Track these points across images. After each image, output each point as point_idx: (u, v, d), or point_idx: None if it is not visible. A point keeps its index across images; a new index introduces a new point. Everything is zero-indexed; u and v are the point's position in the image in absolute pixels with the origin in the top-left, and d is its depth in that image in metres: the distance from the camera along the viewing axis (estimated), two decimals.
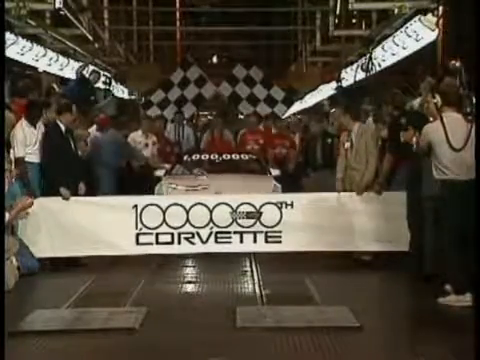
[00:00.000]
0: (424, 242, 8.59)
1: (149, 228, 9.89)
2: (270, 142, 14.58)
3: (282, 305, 7.65)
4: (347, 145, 10.12)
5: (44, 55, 15.81)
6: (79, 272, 9.49)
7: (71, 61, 17.44)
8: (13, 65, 14.77)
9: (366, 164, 9.91)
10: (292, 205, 9.93)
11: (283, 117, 18.84)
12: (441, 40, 12.20)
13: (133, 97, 23.21)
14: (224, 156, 13.18)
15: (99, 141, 12.82)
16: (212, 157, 13.19)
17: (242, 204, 9.92)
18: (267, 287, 8.52)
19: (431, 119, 8.48)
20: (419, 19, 12.92)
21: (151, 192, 11.35)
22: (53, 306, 7.70)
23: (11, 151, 9.86)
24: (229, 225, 9.91)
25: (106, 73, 19.35)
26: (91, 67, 16.47)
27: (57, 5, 14.63)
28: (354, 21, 20.42)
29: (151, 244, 9.89)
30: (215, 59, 34.13)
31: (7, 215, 8.55)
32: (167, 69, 23.45)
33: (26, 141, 10.03)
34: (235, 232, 9.92)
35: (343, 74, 19.18)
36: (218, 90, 20.41)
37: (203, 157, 13.22)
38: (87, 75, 15.73)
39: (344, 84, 18.97)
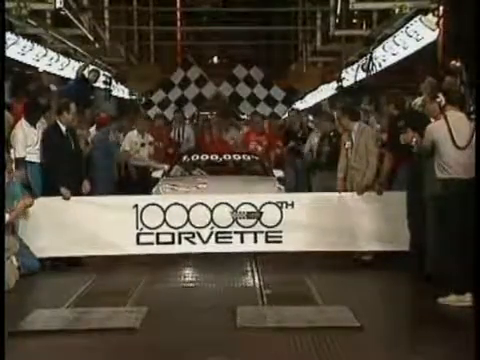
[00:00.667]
0: (424, 242, 8.58)
1: (150, 228, 9.88)
2: (273, 142, 14.31)
3: (282, 305, 7.65)
4: (348, 145, 10.12)
5: (45, 55, 15.81)
6: (79, 272, 9.49)
7: (72, 61, 17.44)
8: (14, 65, 14.78)
9: (367, 164, 9.92)
10: (293, 205, 9.92)
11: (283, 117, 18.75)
12: (442, 40, 12.20)
13: (134, 97, 23.19)
14: (225, 157, 12.88)
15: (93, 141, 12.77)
16: (212, 158, 12.87)
17: (243, 204, 9.91)
18: (267, 287, 8.51)
19: (432, 120, 8.51)
20: (420, 19, 12.91)
21: (148, 194, 11.09)
22: (53, 306, 7.71)
23: (11, 151, 9.87)
24: (230, 225, 9.90)
25: (106, 73, 19.34)
26: (91, 66, 16.43)
27: (58, 5, 14.62)
28: (355, 21, 20.41)
29: (151, 244, 9.89)
30: (215, 59, 34.11)
31: (7, 215, 8.55)
32: (168, 69, 23.43)
33: (27, 141, 10.05)
34: (235, 232, 9.91)
35: (344, 74, 19.18)
36: (219, 90, 20.41)
37: (203, 158, 12.90)
38: (87, 74, 15.69)
39: (345, 84, 18.98)
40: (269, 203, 9.93)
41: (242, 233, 9.91)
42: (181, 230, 9.88)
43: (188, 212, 9.89)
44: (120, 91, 22.56)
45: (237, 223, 9.90)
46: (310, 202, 10.07)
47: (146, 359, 6.08)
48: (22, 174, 9.67)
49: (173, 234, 9.88)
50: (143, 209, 9.88)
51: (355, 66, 17.63)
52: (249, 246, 9.91)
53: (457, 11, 11.66)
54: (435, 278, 8.12)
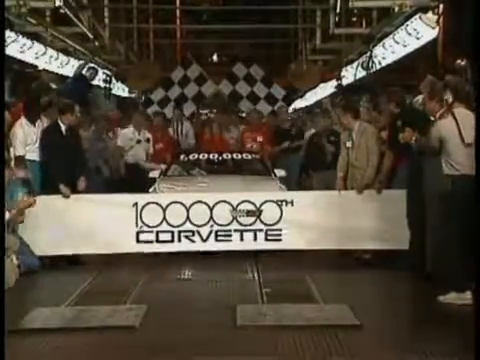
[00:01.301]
0: (424, 240, 8.58)
1: (149, 226, 9.87)
2: (269, 140, 14.07)
3: (282, 303, 7.65)
4: (348, 144, 10.11)
5: (44, 53, 15.81)
6: (79, 270, 9.49)
7: (71, 59, 17.44)
8: (13, 63, 14.77)
9: (367, 162, 9.91)
10: (292, 203, 9.91)
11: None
12: (441, 38, 12.19)
13: (133, 95, 23.18)
14: (224, 156, 12.55)
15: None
16: (212, 157, 12.55)
17: (242, 202, 9.90)
18: (267, 285, 8.51)
19: (432, 118, 8.51)
20: (419, 17, 12.91)
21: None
22: (53, 304, 7.70)
23: (11, 149, 9.87)
24: (229, 223, 9.89)
25: (106, 71, 19.33)
26: (88, 64, 16.42)
27: (57, 3, 14.61)
28: (354, 19, 20.40)
29: (151, 242, 9.88)
30: (215, 57, 34.09)
31: (8, 213, 8.55)
32: (167, 67, 23.44)
33: (26, 140, 10.04)
34: (235, 230, 9.90)
35: (343, 72, 19.17)
36: (218, 88, 20.41)
37: (202, 157, 12.57)
38: (85, 72, 15.67)
39: (344, 82, 18.97)
40: (269, 201, 9.91)
41: (242, 231, 9.90)
42: (181, 228, 9.86)
43: (188, 210, 9.87)
44: (120, 89, 22.54)
45: (237, 221, 9.88)
46: (310, 200, 10.06)
47: (146, 357, 6.07)
48: (22, 172, 9.65)
49: (173, 232, 9.87)
50: (143, 207, 9.87)
51: (355, 64, 17.64)
52: (249, 244, 9.89)
53: (457, 9, 11.65)
54: (436, 276, 8.13)
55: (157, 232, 9.88)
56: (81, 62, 16.45)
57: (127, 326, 6.80)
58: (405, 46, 14.10)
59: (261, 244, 9.89)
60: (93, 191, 10.43)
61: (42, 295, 8.55)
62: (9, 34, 13.39)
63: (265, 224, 9.89)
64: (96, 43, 19.43)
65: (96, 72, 16.49)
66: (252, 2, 24.18)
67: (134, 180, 12.01)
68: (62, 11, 16.31)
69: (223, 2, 28.41)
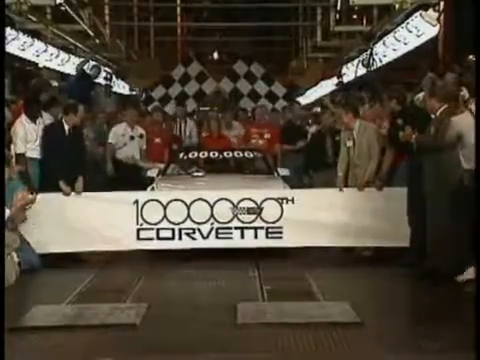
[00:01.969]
0: (425, 237, 8.58)
1: (150, 223, 9.85)
2: (276, 137, 13.57)
3: (283, 301, 7.65)
4: (349, 143, 10.07)
5: (45, 51, 15.81)
6: (80, 268, 9.49)
7: (72, 57, 17.44)
8: (14, 61, 14.77)
9: (368, 160, 9.89)
10: (293, 201, 9.90)
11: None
12: (442, 35, 12.20)
13: (134, 93, 23.18)
14: (225, 154, 12.08)
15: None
16: (212, 155, 12.01)
17: (243, 200, 9.88)
18: (268, 283, 8.51)
19: (432, 116, 8.52)
20: (420, 14, 12.92)
21: None
22: (54, 302, 7.70)
23: (12, 147, 9.87)
24: (230, 221, 9.87)
25: (107, 69, 19.33)
26: (92, 62, 16.39)
27: (58, 0, 14.64)
28: (355, 17, 20.41)
29: (152, 239, 9.86)
30: (216, 55, 34.07)
31: (8, 211, 8.55)
32: (168, 65, 23.44)
33: (27, 137, 10.04)
34: (236, 228, 9.88)
35: (344, 70, 19.16)
36: (219, 86, 20.41)
37: (202, 155, 12.06)
38: (88, 70, 15.63)
39: (345, 80, 18.96)
40: (269, 199, 9.90)
41: (242, 229, 9.88)
42: (181, 226, 9.85)
43: (188, 208, 9.85)
44: (121, 87, 22.54)
45: (237, 219, 9.87)
46: (310, 198, 10.05)
47: (146, 355, 6.06)
48: (22, 170, 9.65)
49: (173, 230, 9.86)
50: (143, 205, 9.85)
51: (355, 62, 17.63)
52: (249, 242, 9.87)
53: (458, 7, 11.66)
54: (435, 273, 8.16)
55: (158, 229, 9.86)
56: (82, 60, 16.43)
57: (128, 324, 6.80)
58: (406, 44, 14.10)
59: (262, 242, 9.85)
60: (87, 190, 10.19)
61: (42, 293, 8.54)
62: (10, 32, 13.40)
63: (266, 222, 9.85)
64: (97, 41, 19.45)
65: (100, 70, 16.40)
66: (253, 0, 24.18)
67: (131, 179, 11.33)
68: (62, 8, 16.34)
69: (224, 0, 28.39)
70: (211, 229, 9.84)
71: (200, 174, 11.26)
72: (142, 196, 9.99)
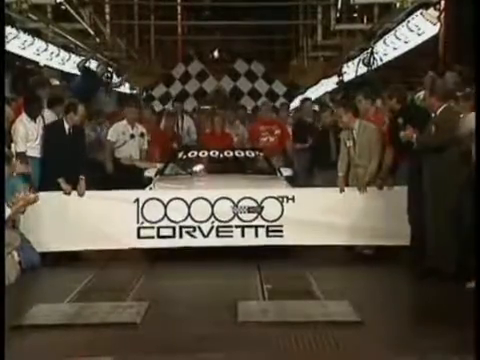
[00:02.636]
0: (425, 236, 8.58)
1: (150, 222, 9.84)
2: (286, 134, 13.22)
3: (283, 300, 7.65)
4: (349, 143, 10.04)
5: (45, 49, 15.81)
6: (80, 267, 9.49)
7: (72, 56, 17.44)
8: (14, 59, 14.77)
9: (369, 159, 9.86)
10: (293, 199, 9.88)
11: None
12: (443, 34, 12.19)
13: (135, 92, 23.19)
14: (226, 153, 11.69)
15: None
16: (212, 154, 11.66)
17: (244, 199, 9.87)
18: (268, 282, 8.51)
19: (432, 114, 8.53)
20: (421, 13, 12.91)
21: None
22: (55, 300, 7.70)
23: (12, 145, 9.87)
24: (230, 220, 9.85)
25: (108, 68, 19.33)
26: (96, 61, 16.37)
27: None
28: (355, 15, 20.40)
29: (152, 238, 9.85)
30: (216, 53, 34.06)
31: (9, 209, 8.55)
32: (168, 64, 23.47)
33: (28, 136, 10.04)
34: (236, 226, 9.86)
35: (344, 69, 19.15)
36: (219, 85, 20.43)
37: (201, 154, 11.71)
38: (93, 68, 15.54)
39: (345, 79, 18.95)
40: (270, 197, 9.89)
41: (243, 227, 9.86)
42: (182, 224, 9.84)
43: (189, 207, 9.83)
44: (121, 87, 22.53)
45: (238, 218, 9.85)
46: (311, 196, 10.04)
47: (147, 354, 6.07)
48: (23, 168, 9.65)
49: (174, 228, 9.85)
50: (144, 203, 9.84)
51: (356, 60, 17.62)
52: (250, 240, 9.85)
53: (458, 5, 11.65)
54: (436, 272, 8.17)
55: (158, 228, 9.85)
56: (82, 58, 16.42)
57: (128, 323, 6.80)
58: (406, 42, 14.10)
59: (262, 240, 9.83)
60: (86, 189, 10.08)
61: (43, 291, 8.54)
62: (10, 30, 13.40)
63: (266, 220, 9.84)
64: (97, 39, 19.45)
65: (106, 68, 16.28)
66: None
67: (129, 179, 10.93)
68: (63, 7, 16.33)
69: None
70: (212, 227, 9.82)
71: (199, 168, 11.20)
72: (143, 195, 9.98)
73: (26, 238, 9.23)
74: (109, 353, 6.06)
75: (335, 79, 19.97)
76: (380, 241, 9.70)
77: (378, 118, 10.36)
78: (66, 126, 10.08)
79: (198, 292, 8.30)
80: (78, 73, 15.64)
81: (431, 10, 12.59)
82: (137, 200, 9.84)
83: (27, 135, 10.04)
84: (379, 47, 15.61)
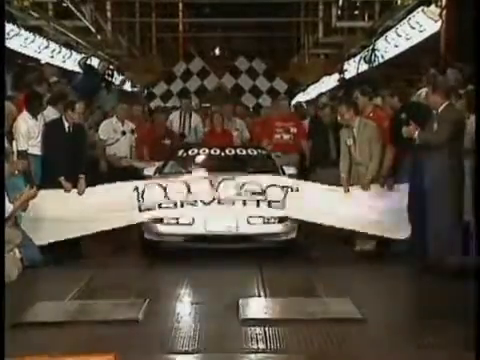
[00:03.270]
0: (426, 233, 8.59)
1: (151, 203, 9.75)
2: (305, 132, 12.77)
3: (284, 297, 7.66)
4: (349, 141, 10.01)
5: (46, 47, 15.82)
6: (82, 264, 9.48)
7: (73, 53, 17.45)
8: (15, 57, 14.77)
9: (370, 157, 9.83)
10: (298, 190, 9.87)
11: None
12: (444, 31, 12.18)
13: (136, 89, 23.21)
14: (228, 151, 11.42)
15: None
16: (213, 152, 11.34)
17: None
18: (269, 279, 8.51)
19: (434, 111, 8.53)
20: (422, 10, 12.90)
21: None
22: (56, 298, 7.70)
23: (14, 143, 9.86)
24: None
25: (110, 66, 19.34)
26: (94, 59, 16.37)
27: None
28: (357, 12, 20.41)
29: (154, 209, 9.70)
30: (218, 51, 34.08)
31: (11, 206, 8.54)
32: (170, 61, 23.46)
33: (30, 134, 10.04)
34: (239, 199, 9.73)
35: (345, 66, 19.15)
36: (221, 82, 20.42)
37: (202, 152, 11.36)
38: (95, 66, 15.54)
39: (346, 76, 18.94)
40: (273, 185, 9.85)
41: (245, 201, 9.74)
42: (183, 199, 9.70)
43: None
44: (122, 84, 22.53)
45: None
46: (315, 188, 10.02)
47: (149, 351, 6.07)
48: (24, 166, 9.65)
49: (175, 203, 9.73)
50: (143, 190, 9.79)
51: (357, 58, 17.62)
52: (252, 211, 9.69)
53: (460, 2, 11.64)
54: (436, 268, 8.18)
55: (159, 204, 9.73)
56: (84, 56, 16.43)
57: (130, 320, 6.80)
58: (408, 39, 14.09)
59: (264, 211, 9.67)
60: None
61: (45, 289, 8.54)
62: (11, 28, 13.41)
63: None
64: (98, 37, 19.46)
65: (107, 66, 16.24)
66: None
67: (125, 178, 10.41)
68: (64, 4, 16.34)
69: None
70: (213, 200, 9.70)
71: (202, 175, 10.69)
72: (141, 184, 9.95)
73: (28, 235, 9.22)
74: (111, 350, 6.06)
75: (336, 76, 19.96)
76: (381, 232, 9.64)
77: (377, 115, 10.30)
78: (66, 124, 10.07)
79: (200, 289, 8.28)
80: (80, 71, 15.66)
81: (432, 7, 12.58)
82: (136, 188, 9.82)
83: (28, 133, 10.04)
84: (380, 44, 15.61)
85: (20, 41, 14.34)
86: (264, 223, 9.63)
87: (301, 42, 26.40)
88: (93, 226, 9.66)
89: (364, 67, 16.67)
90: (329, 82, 21.67)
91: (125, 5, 24.17)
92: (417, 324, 6.86)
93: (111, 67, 18.60)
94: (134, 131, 11.84)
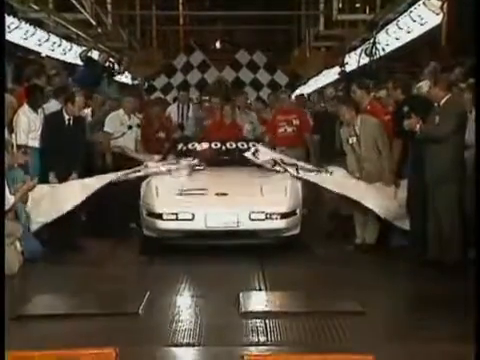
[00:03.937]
0: (426, 227, 8.57)
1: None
2: (309, 125, 12.33)
3: (285, 290, 7.66)
4: (351, 140, 9.80)
5: (47, 40, 15.79)
6: (82, 257, 9.47)
7: (74, 46, 17.43)
8: (16, 50, 14.75)
9: (378, 152, 9.62)
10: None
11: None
12: (445, 24, 12.16)
13: (136, 82, 23.16)
14: (228, 145, 11.21)
15: None
16: (214, 146, 11.23)
17: None
18: (270, 271, 8.51)
19: (436, 104, 8.51)
20: (423, 3, 12.88)
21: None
22: (56, 290, 7.71)
23: (13, 136, 9.85)
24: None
25: (110, 58, 19.29)
26: (95, 52, 16.33)
27: None
28: (358, 5, 20.37)
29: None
30: (218, 44, 34.03)
31: (12, 198, 8.53)
32: (170, 54, 23.44)
33: (30, 127, 10.03)
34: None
35: (346, 59, 19.10)
36: (221, 75, 20.38)
37: (202, 146, 11.28)
38: (95, 58, 15.49)
39: (347, 69, 18.89)
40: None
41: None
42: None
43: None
44: (122, 76, 22.50)
45: None
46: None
47: (149, 344, 6.07)
48: (24, 159, 9.63)
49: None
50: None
51: (358, 51, 17.58)
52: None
53: None
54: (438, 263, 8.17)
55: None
56: (84, 48, 16.38)
57: (130, 313, 6.81)
58: (409, 32, 14.06)
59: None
60: None
61: (45, 282, 8.54)
62: (12, 20, 13.39)
63: None
64: (99, 30, 19.43)
65: (108, 57, 16.17)
66: None
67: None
68: None
69: None
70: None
71: (202, 170, 10.63)
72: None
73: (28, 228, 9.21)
74: (111, 343, 6.04)
75: (337, 69, 19.91)
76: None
77: (374, 108, 10.19)
78: (66, 117, 10.04)
79: (200, 281, 8.26)
80: (80, 63, 15.61)
81: (434, 0, 12.55)
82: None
83: (29, 126, 10.03)
84: (381, 37, 15.57)
85: (21, 34, 14.31)
86: (266, 219, 9.43)
87: (302, 35, 26.35)
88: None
89: (365, 60, 16.63)
90: (330, 75, 21.64)
91: None
92: (417, 318, 6.86)
93: (111, 60, 18.56)
94: (139, 125, 11.67)
